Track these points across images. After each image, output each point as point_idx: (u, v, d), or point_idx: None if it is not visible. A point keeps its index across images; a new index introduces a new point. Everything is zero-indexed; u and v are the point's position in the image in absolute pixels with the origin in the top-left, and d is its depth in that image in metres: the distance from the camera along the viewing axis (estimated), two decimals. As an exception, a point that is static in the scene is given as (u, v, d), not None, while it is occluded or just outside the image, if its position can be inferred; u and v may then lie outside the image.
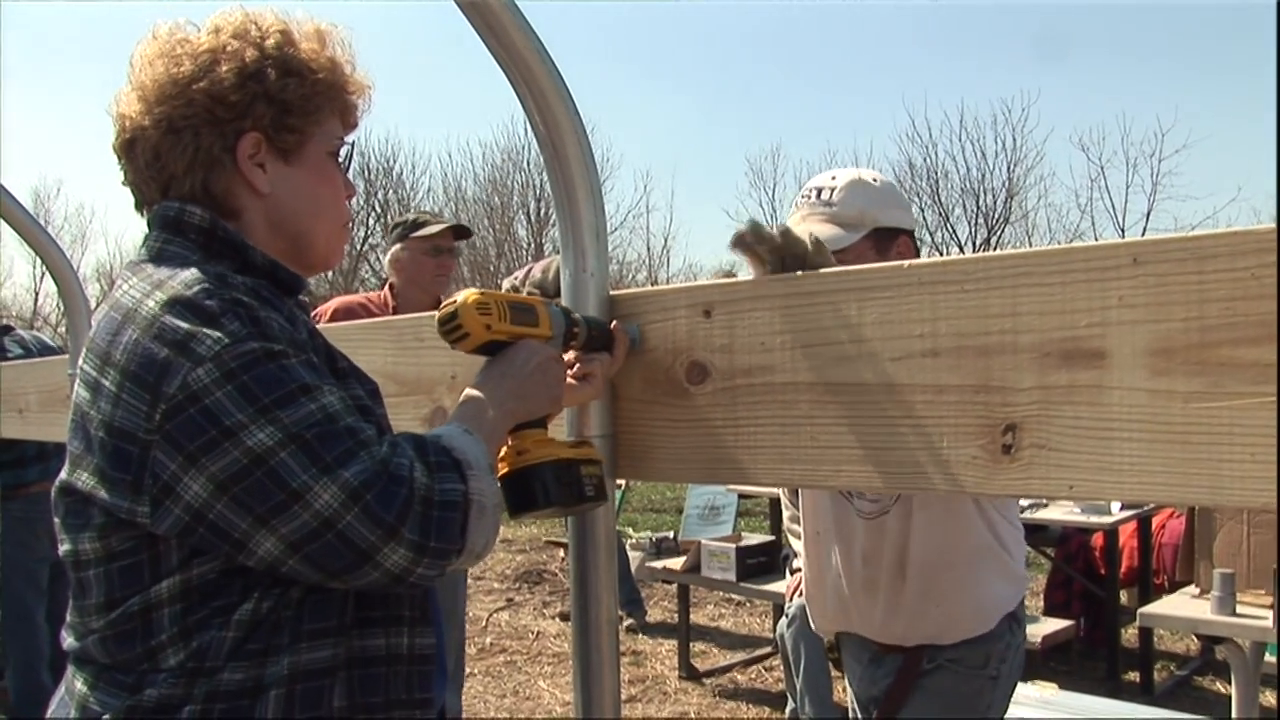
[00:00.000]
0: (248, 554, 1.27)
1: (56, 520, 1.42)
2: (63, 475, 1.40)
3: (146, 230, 1.49)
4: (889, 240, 2.26)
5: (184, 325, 1.26)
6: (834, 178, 2.30)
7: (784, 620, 4.76)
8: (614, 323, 1.59)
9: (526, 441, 1.48)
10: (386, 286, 4.28)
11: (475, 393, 1.47)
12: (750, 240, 1.44)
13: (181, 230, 1.44)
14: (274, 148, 1.47)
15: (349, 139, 1.58)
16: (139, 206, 1.52)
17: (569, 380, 1.55)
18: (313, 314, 4.03)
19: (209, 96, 1.42)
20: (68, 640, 1.43)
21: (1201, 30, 28.35)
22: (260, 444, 1.22)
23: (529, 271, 1.85)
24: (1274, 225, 1.02)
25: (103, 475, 1.31)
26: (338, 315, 4.03)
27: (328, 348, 1.46)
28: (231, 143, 1.44)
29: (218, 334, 1.25)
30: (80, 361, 1.40)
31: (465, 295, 1.47)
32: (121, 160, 1.51)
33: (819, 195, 2.28)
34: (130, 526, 1.31)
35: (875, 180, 2.33)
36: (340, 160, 1.56)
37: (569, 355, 1.57)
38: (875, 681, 2.52)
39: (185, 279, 1.32)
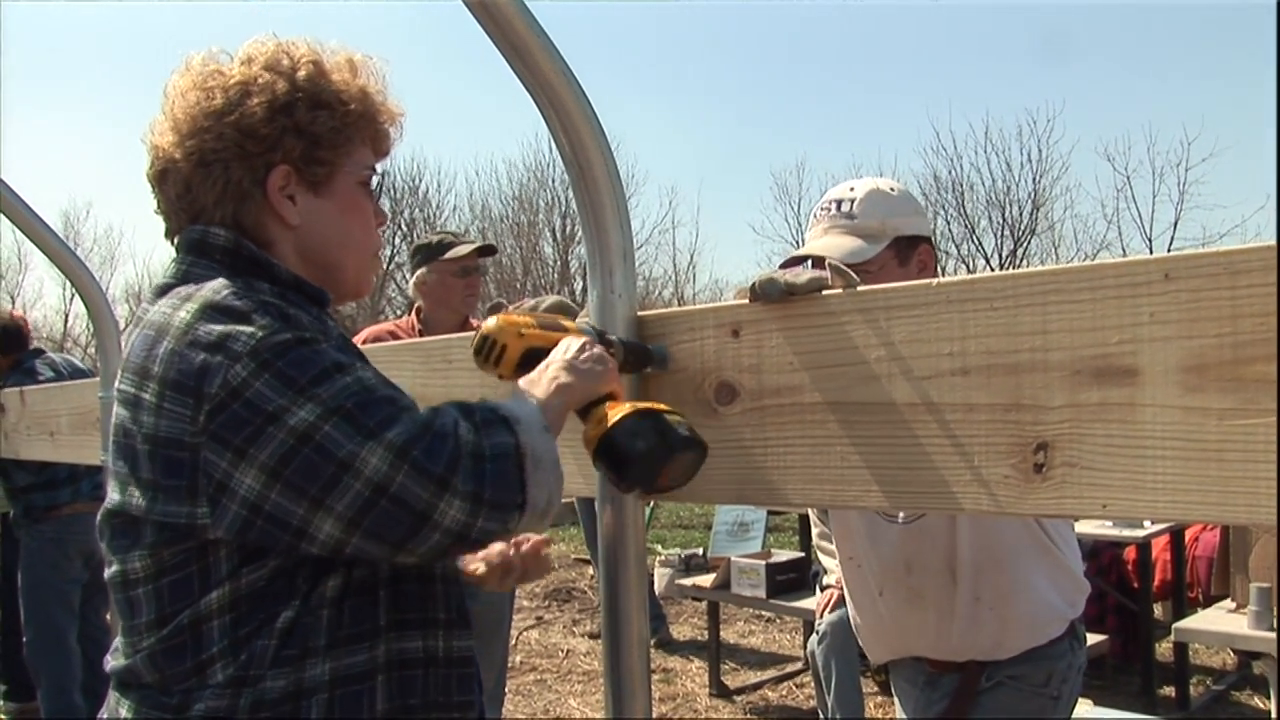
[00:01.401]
0: (309, 540, 1.27)
1: (103, 544, 1.43)
2: (111, 498, 1.41)
3: (174, 254, 1.50)
4: (910, 249, 2.24)
5: (218, 328, 1.28)
6: (852, 189, 2.29)
7: (814, 637, 4.74)
8: (650, 349, 1.58)
9: (601, 411, 1.43)
10: (413, 312, 4.27)
11: (527, 379, 1.44)
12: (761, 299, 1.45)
13: (206, 251, 1.45)
14: (304, 180, 1.48)
15: (381, 167, 1.59)
16: (169, 235, 1.54)
17: None
18: None
19: (239, 130, 1.44)
20: (112, 662, 1.43)
21: (1227, 37, 28.20)
22: (303, 421, 1.23)
23: (520, 305, 1.84)
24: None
25: (156, 487, 1.32)
26: (366, 343, 4.03)
27: (360, 354, 1.46)
28: (262, 176, 1.46)
29: (250, 329, 1.28)
30: (116, 383, 1.41)
31: (487, 325, 1.47)
32: (154, 189, 1.53)
33: (839, 207, 2.26)
34: (185, 537, 1.32)
35: (893, 189, 2.31)
36: (371, 188, 1.57)
37: None
38: (932, 704, 2.45)
39: (213, 286, 1.35)
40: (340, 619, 1.34)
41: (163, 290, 1.44)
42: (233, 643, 1.31)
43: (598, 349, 1.47)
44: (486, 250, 4.39)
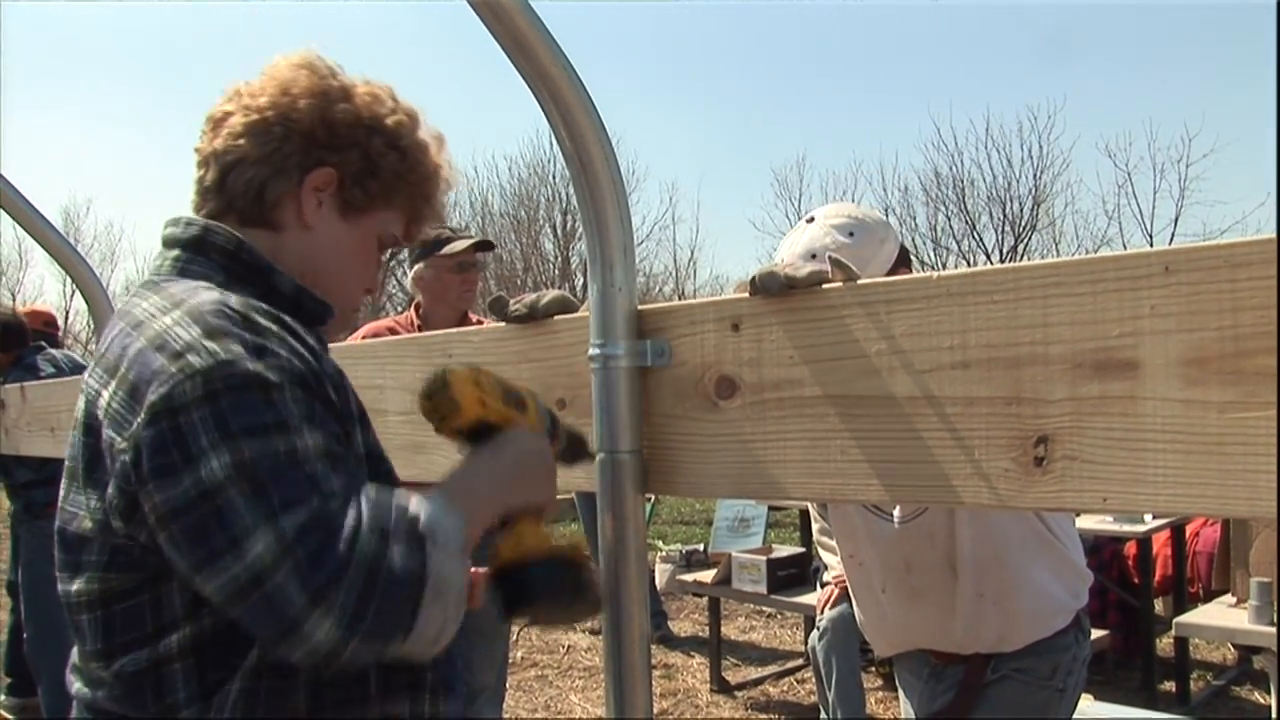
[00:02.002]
0: (198, 589, 1.20)
1: (58, 557, 1.38)
2: (62, 507, 1.37)
3: (166, 245, 1.47)
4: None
5: (186, 337, 1.22)
6: (806, 235, 2.20)
7: (816, 633, 4.75)
8: (587, 440, 1.60)
9: (520, 530, 1.41)
10: (412, 307, 4.27)
11: (466, 467, 1.40)
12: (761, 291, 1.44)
13: (205, 250, 1.43)
14: (340, 196, 1.49)
15: (402, 244, 1.61)
16: (196, 180, 1.51)
17: None
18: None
19: (321, 118, 1.46)
20: (75, 684, 1.39)
21: (1228, 34, 28.18)
22: (212, 475, 1.14)
23: (520, 300, 1.83)
24: (1308, 232, 1.01)
25: (101, 494, 1.28)
26: (366, 339, 4.03)
27: (351, 389, 1.42)
28: (310, 165, 1.46)
29: (216, 347, 1.20)
30: (86, 376, 1.37)
31: (454, 367, 1.45)
32: (206, 127, 1.51)
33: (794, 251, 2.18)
34: (128, 562, 1.27)
35: (850, 235, 2.19)
36: (382, 255, 1.58)
37: None
38: (936, 695, 2.46)
39: (205, 297, 1.30)
40: (319, 682, 1.28)
41: (153, 285, 1.40)
42: (201, 690, 1.26)
43: (548, 460, 1.47)
44: (484, 246, 4.36)
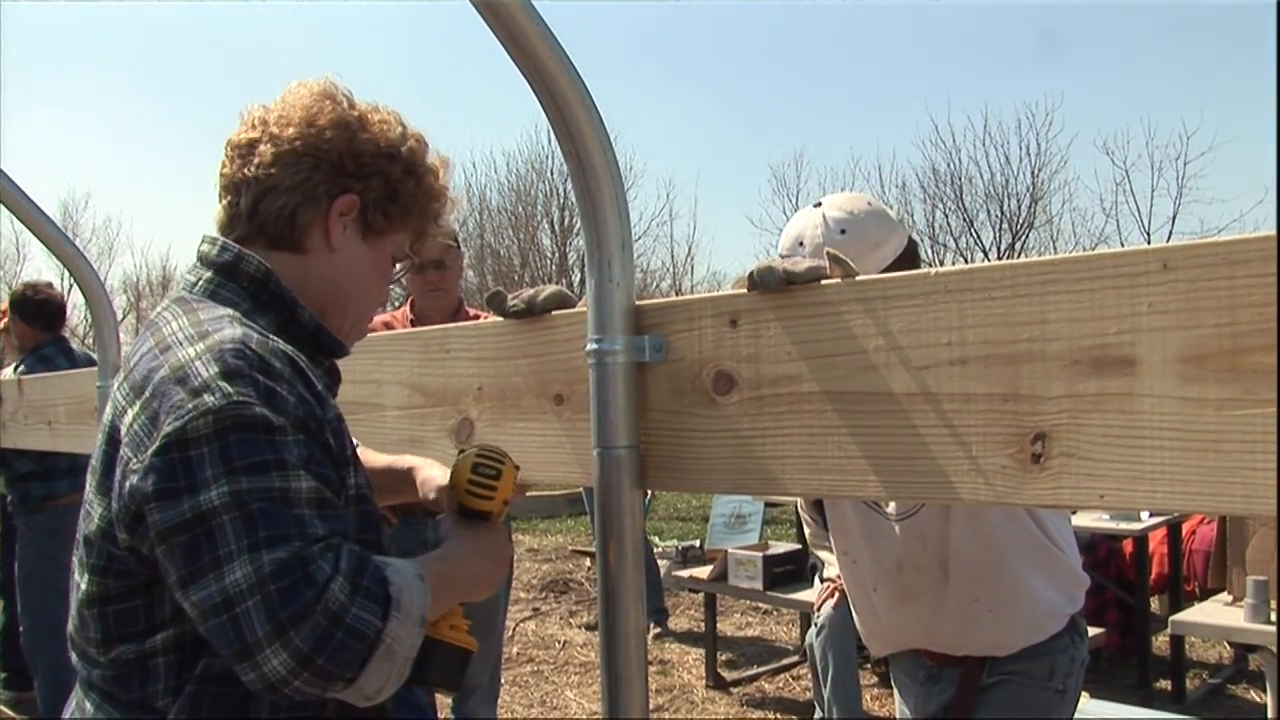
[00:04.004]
0: (181, 600, 1.31)
1: (76, 549, 1.49)
2: (85, 504, 1.47)
3: (201, 266, 1.56)
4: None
5: (204, 374, 1.32)
6: (807, 225, 2.21)
7: (813, 629, 4.75)
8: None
9: (455, 616, 1.54)
10: (408, 303, 4.31)
11: (454, 553, 1.54)
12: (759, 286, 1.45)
13: (235, 276, 1.53)
14: (363, 221, 1.59)
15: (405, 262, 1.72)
16: (227, 206, 1.59)
17: None
18: None
19: (347, 147, 1.55)
20: (75, 658, 1.49)
21: (1226, 31, 28.18)
22: (208, 501, 1.26)
23: (519, 295, 1.84)
24: (1306, 230, 1.01)
25: (108, 503, 1.39)
26: None
27: (347, 434, 1.51)
28: (336, 192, 1.56)
29: (229, 389, 1.30)
30: (117, 385, 1.47)
31: (508, 462, 1.61)
32: (231, 153, 1.58)
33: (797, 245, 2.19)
34: (125, 570, 1.39)
35: (843, 231, 2.19)
36: (392, 273, 1.69)
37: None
38: (932, 697, 2.45)
39: (230, 335, 1.38)
40: (279, 702, 1.37)
41: (184, 304, 1.50)
42: (177, 684, 1.38)
43: (507, 563, 1.65)
44: (445, 248, 4.22)
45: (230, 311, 1.46)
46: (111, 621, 1.40)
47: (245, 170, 1.55)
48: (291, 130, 1.54)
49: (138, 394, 1.38)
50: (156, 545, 1.30)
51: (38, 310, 5.31)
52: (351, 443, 1.52)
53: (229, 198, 1.58)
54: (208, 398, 1.30)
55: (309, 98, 1.57)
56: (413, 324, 4.09)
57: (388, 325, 4.10)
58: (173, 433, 1.29)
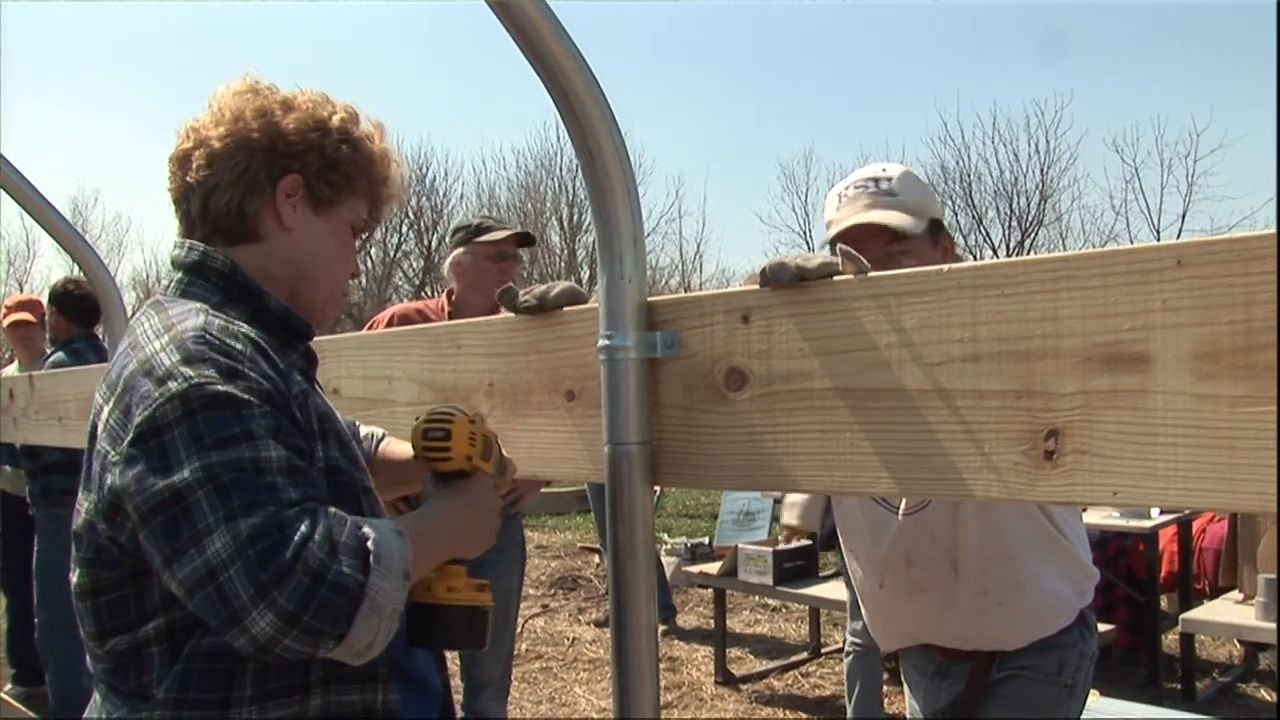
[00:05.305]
0: (168, 582, 1.35)
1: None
2: (79, 500, 1.51)
3: (172, 269, 1.64)
4: (939, 232, 2.25)
5: (167, 362, 1.39)
6: (885, 169, 2.28)
7: (848, 638, 4.81)
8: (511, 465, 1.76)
9: (450, 578, 1.56)
10: (445, 294, 4.25)
11: (431, 511, 1.58)
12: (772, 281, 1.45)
13: (204, 274, 1.60)
14: (311, 195, 1.64)
15: (370, 229, 1.78)
16: (180, 219, 1.66)
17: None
18: (370, 323, 4.07)
19: (275, 130, 1.61)
20: (89, 659, 1.55)
21: (1237, 29, 28.06)
22: (183, 480, 1.30)
23: (530, 291, 1.84)
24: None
25: (89, 498, 1.45)
26: (394, 322, 4.05)
27: (320, 407, 1.57)
28: (277, 175, 1.61)
29: (191, 372, 1.37)
30: (97, 389, 1.53)
31: (457, 416, 1.61)
32: (174, 169, 1.65)
33: (877, 185, 2.25)
34: (112, 560, 1.44)
35: (919, 176, 2.34)
36: (356, 240, 1.73)
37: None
38: (941, 691, 2.44)
39: (192, 324, 1.45)
40: (267, 672, 1.42)
41: (158, 305, 1.57)
42: (168, 672, 1.41)
43: (495, 518, 1.64)
44: (525, 239, 4.39)
45: (199, 305, 1.52)
46: (105, 613, 1.46)
47: (187, 178, 1.62)
48: (221, 129, 1.60)
49: (112, 390, 1.45)
50: (140, 530, 1.34)
51: (76, 305, 5.45)
52: (319, 416, 1.55)
53: (181, 208, 1.66)
54: (172, 384, 1.36)
55: (232, 97, 1.63)
56: (450, 316, 4.05)
57: (421, 313, 4.10)
58: (143, 422, 1.35)
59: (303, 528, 1.28)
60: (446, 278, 4.25)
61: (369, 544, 1.32)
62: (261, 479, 1.31)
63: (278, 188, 1.61)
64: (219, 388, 1.35)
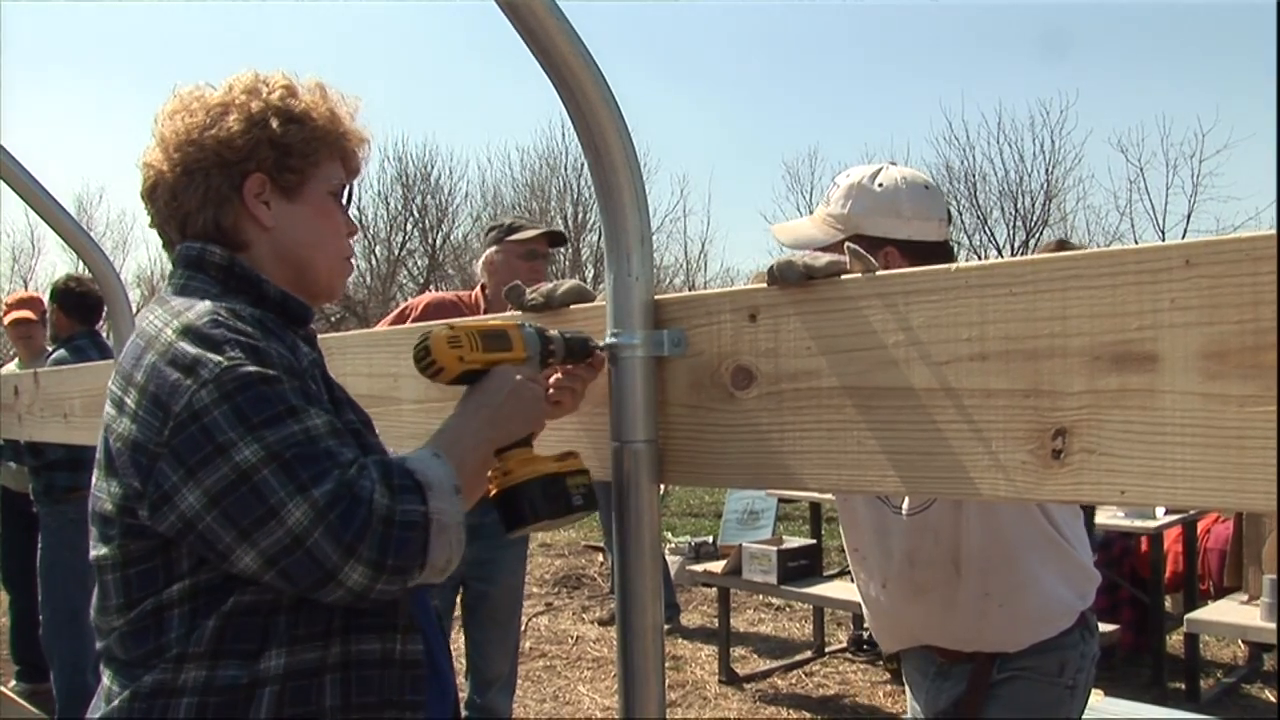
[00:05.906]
0: (230, 564, 1.40)
1: (91, 528, 1.57)
2: (95, 485, 1.55)
3: (171, 268, 1.66)
4: (874, 249, 2.15)
5: (191, 351, 1.42)
6: (846, 176, 2.31)
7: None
8: (590, 338, 1.67)
9: (510, 462, 1.57)
10: (479, 288, 4.30)
11: (454, 419, 1.59)
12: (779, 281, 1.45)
13: (203, 267, 1.62)
14: (277, 186, 1.64)
15: (351, 181, 1.75)
16: (166, 247, 1.70)
17: (551, 393, 1.67)
18: (403, 309, 4.15)
19: (218, 142, 1.61)
20: (98, 641, 1.57)
21: (1242, 29, 28.02)
22: (246, 461, 1.36)
23: (537, 289, 1.85)
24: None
25: (125, 486, 1.46)
26: (429, 310, 4.11)
27: (328, 378, 1.63)
28: (238, 182, 1.62)
29: (219, 358, 1.40)
30: (109, 382, 1.55)
31: (435, 330, 1.58)
32: (147, 205, 1.69)
33: (826, 194, 2.32)
34: (144, 534, 1.46)
35: (880, 185, 2.26)
36: (342, 200, 1.72)
37: (551, 373, 1.69)
38: (942, 692, 2.44)
39: (199, 310, 1.49)
40: (299, 619, 1.46)
41: (161, 300, 1.60)
42: (190, 629, 1.44)
43: (528, 388, 1.60)
44: (556, 238, 4.47)
45: (200, 299, 1.55)
46: (135, 583, 1.48)
47: (159, 214, 1.67)
48: (170, 160, 1.62)
49: (128, 380, 1.48)
50: (205, 513, 1.37)
51: (78, 302, 5.47)
52: (339, 387, 1.65)
53: (164, 239, 1.70)
54: (201, 370, 1.40)
55: (167, 120, 1.64)
56: (484, 310, 4.11)
57: (456, 303, 4.15)
58: (182, 410, 1.38)
59: (365, 483, 1.37)
60: (479, 275, 4.31)
61: (417, 477, 1.41)
62: (318, 447, 1.39)
63: (243, 194, 1.62)
64: (250, 368, 1.40)
